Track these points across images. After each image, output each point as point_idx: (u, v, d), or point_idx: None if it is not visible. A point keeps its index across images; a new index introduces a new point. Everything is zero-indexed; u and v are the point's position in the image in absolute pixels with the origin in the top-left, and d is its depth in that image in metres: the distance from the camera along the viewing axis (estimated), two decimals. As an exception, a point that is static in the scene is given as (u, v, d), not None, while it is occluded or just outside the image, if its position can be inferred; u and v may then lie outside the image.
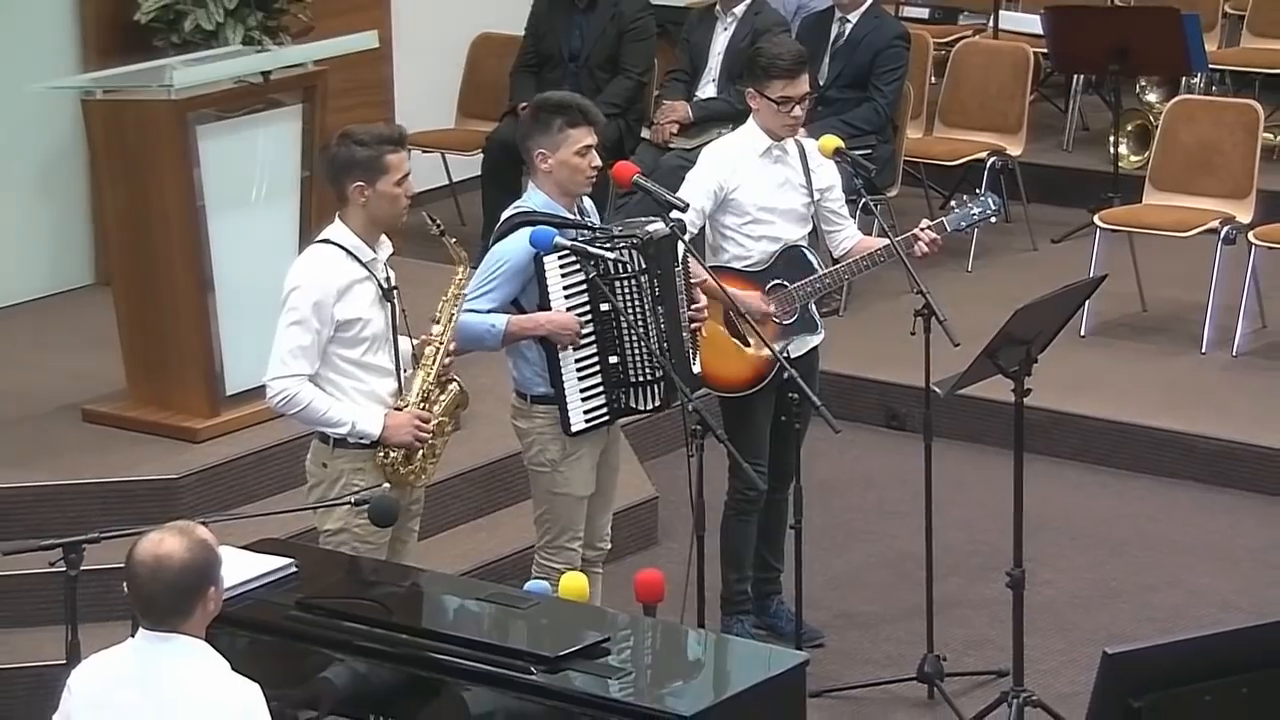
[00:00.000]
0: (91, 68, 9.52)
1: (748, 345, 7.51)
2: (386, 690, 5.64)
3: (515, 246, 6.97)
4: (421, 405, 6.74)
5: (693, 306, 7.15)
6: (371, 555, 6.62)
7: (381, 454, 6.68)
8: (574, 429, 6.98)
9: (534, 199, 7.10)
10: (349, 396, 6.68)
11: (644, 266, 6.91)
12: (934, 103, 11.60)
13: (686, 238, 7.17)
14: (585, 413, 6.99)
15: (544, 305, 6.92)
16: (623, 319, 6.93)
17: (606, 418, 7.03)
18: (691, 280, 7.16)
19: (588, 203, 7.24)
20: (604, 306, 6.93)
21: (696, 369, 7.18)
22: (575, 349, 6.94)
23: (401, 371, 6.77)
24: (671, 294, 7.05)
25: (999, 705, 7.20)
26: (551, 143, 7.02)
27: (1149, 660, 5.03)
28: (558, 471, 7.07)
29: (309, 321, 6.61)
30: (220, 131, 8.41)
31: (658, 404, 7.09)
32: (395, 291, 6.74)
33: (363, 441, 6.66)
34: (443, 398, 6.81)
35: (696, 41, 10.87)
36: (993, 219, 7.84)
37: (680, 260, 7.08)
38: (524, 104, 10.74)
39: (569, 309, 6.92)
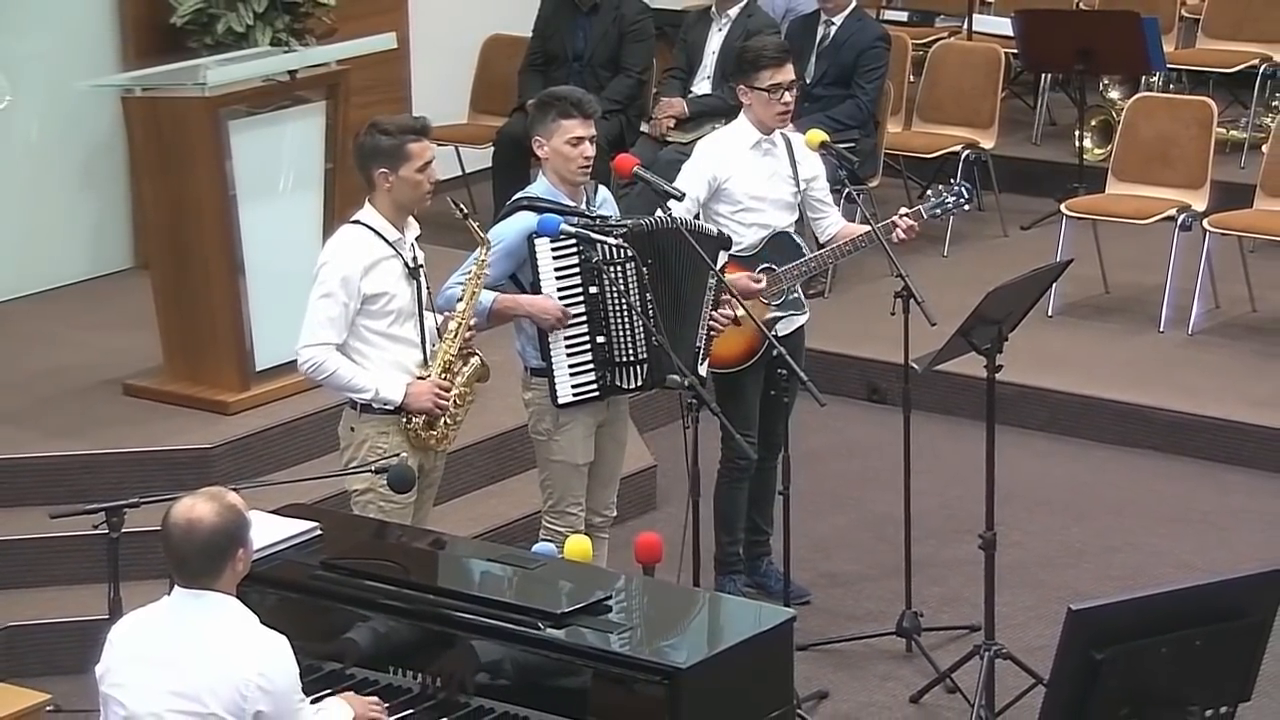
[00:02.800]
0: (131, 67, 9.52)
1: (737, 324, 7.49)
2: (404, 644, 5.65)
3: (510, 229, 7.00)
4: (443, 376, 6.76)
5: (719, 311, 7.13)
6: (396, 514, 6.65)
7: (405, 420, 6.71)
8: (560, 401, 6.99)
9: (538, 186, 7.14)
10: (376, 366, 6.70)
11: (632, 255, 6.91)
12: (912, 99, 11.60)
13: (724, 257, 7.19)
14: (573, 387, 6.99)
15: (535, 285, 6.94)
16: (609, 302, 6.93)
17: (595, 393, 7.03)
18: (725, 295, 7.15)
19: (604, 192, 7.25)
20: (593, 289, 6.94)
21: (703, 371, 7.16)
22: (564, 328, 6.94)
23: (427, 345, 6.79)
24: (699, 287, 7.04)
25: (972, 657, 7.21)
26: (546, 131, 7.04)
27: (1110, 615, 5.03)
28: (553, 440, 7.09)
29: (337, 295, 6.64)
30: (250, 126, 8.41)
31: (640, 384, 7.08)
32: (421, 270, 6.77)
33: (386, 407, 6.69)
34: (465, 369, 6.83)
35: (693, 42, 10.86)
36: (964, 206, 7.83)
37: (716, 265, 7.07)
38: (532, 100, 10.76)
39: (559, 290, 6.93)
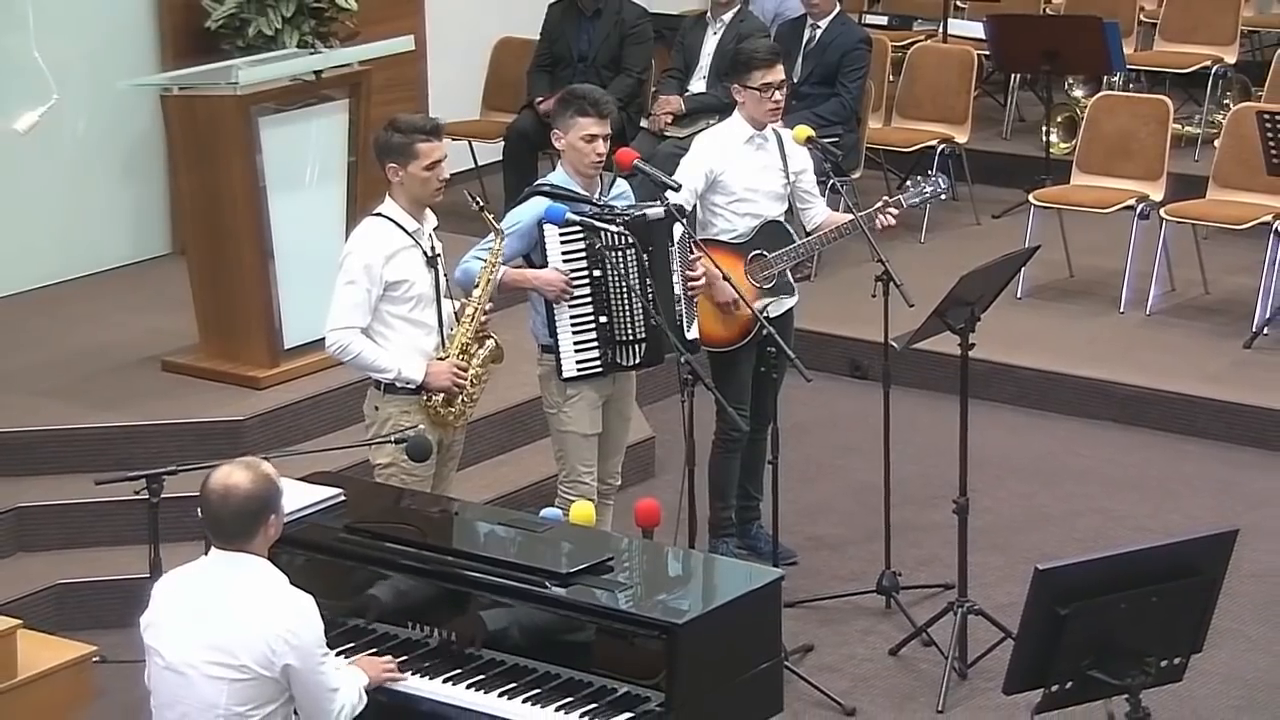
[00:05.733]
0: (169, 68, 9.52)
1: (736, 308, 7.48)
2: (422, 601, 5.66)
3: (525, 213, 7.01)
4: (460, 357, 6.76)
5: (689, 278, 7.13)
6: (416, 486, 6.65)
7: (425, 398, 6.71)
8: (564, 374, 6.99)
9: (555, 175, 7.14)
10: (397, 348, 6.70)
11: (632, 241, 6.91)
12: (892, 97, 11.59)
13: (684, 220, 7.16)
14: (577, 362, 6.99)
15: (544, 266, 6.94)
16: (611, 284, 6.93)
17: (599, 369, 7.03)
18: (690, 256, 7.15)
19: (622, 184, 7.24)
20: (596, 272, 6.94)
21: (693, 335, 7.16)
22: (571, 306, 6.94)
23: (444, 329, 6.79)
24: (664, 268, 7.04)
25: (946, 613, 7.22)
26: (564, 126, 7.04)
27: (1074, 574, 5.05)
28: (562, 411, 7.09)
29: (360, 282, 6.64)
30: (279, 122, 8.40)
31: (638, 361, 7.07)
32: (438, 258, 6.77)
33: (408, 386, 6.69)
34: (480, 351, 6.83)
35: (689, 44, 10.86)
36: (941, 197, 7.82)
37: (677, 240, 7.07)
38: (539, 98, 10.76)
39: (566, 272, 6.93)
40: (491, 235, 6.83)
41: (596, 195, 7.09)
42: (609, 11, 10.91)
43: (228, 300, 8.47)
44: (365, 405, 6.84)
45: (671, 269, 7.07)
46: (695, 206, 7.60)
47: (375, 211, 6.77)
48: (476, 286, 6.80)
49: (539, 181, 7.21)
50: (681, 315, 7.12)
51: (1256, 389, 9.13)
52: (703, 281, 7.20)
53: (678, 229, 7.08)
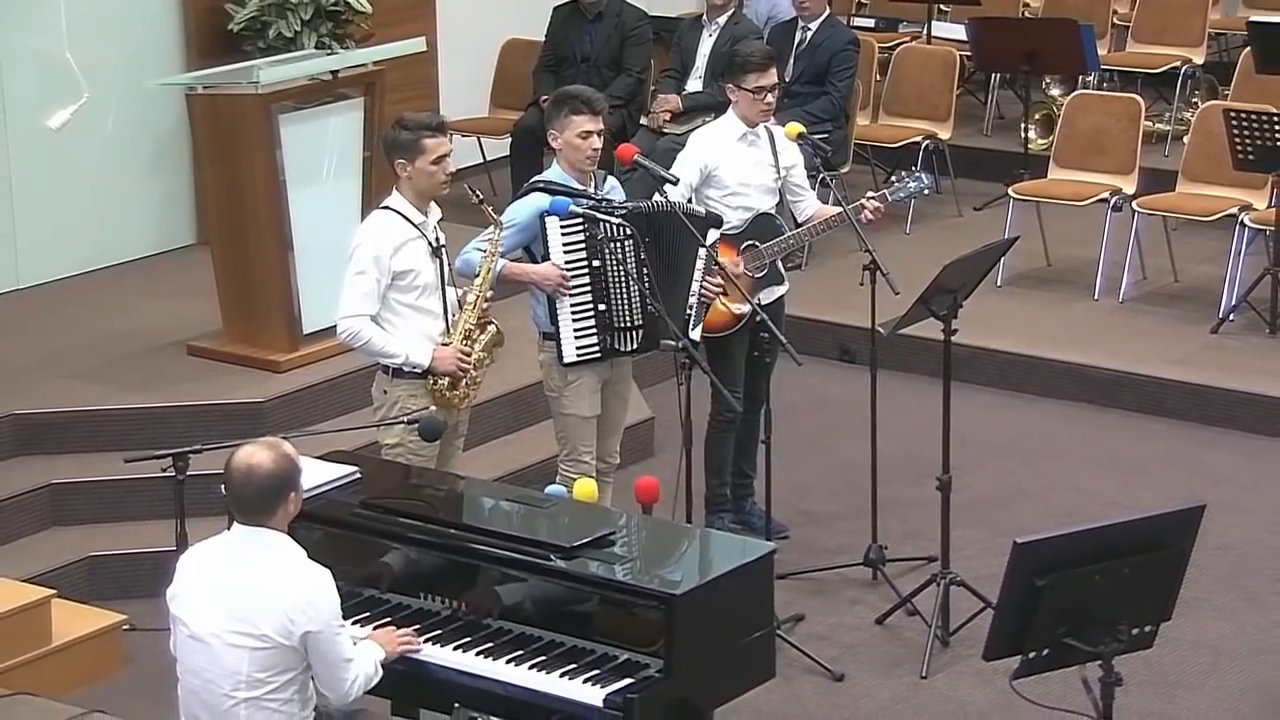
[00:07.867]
0: (193, 68, 9.52)
1: (726, 295, 7.48)
2: (433, 573, 5.66)
3: (525, 208, 7.00)
4: (464, 342, 6.75)
5: (708, 282, 7.11)
6: (421, 465, 6.63)
7: (431, 381, 6.70)
8: (565, 360, 6.98)
9: (551, 171, 7.13)
10: (404, 334, 6.69)
11: (631, 232, 6.90)
12: (879, 96, 11.57)
13: (715, 234, 7.16)
14: (577, 348, 6.98)
15: (546, 258, 6.94)
16: (610, 273, 6.93)
17: (597, 354, 7.02)
18: (715, 265, 7.14)
19: (612, 181, 7.24)
20: (595, 262, 6.93)
21: (695, 335, 7.13)
22: (571, 295, 6.93)
23: (449, 316, 6.78)
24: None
25: (930, 584, 7.23)
26: (560, 125, 7.02)
27: (1050, 547, 5.05)
28: (563, 395, 7.08)
29: (369, 272, 6.63)
30: (298, 120, 8.40)
31: (636, 347, 7.06)
32: (443, 249, 6.76)
33: (415, 371, 6.68)
34: (482, 337, 6.82)
35: (686, 45, 10.84)
36: (925, 191, 7.83)
37: (708, 244, 7.05)
38: (544, 97, 10.74)
39: (566, 262, 6.92)
40: (491, 227, 6.83)
41: (592, 190, 7.08)
42: (610, 14, 10.90)
43: (249, 288, 8.47)
44: (374, 388, 6.84)
45: (695, 267, 7.05)
46: (690, 200, 7.59)
47: (383, 205, 6.77)
48: (477, 275, 6.80)
49: (536, 178, 7.19)
50: (691, 314, 7.10)
51: (1223, 371, 9.14)
52: (719, 292, 7.19)
53: (711, 234, 7.10)
